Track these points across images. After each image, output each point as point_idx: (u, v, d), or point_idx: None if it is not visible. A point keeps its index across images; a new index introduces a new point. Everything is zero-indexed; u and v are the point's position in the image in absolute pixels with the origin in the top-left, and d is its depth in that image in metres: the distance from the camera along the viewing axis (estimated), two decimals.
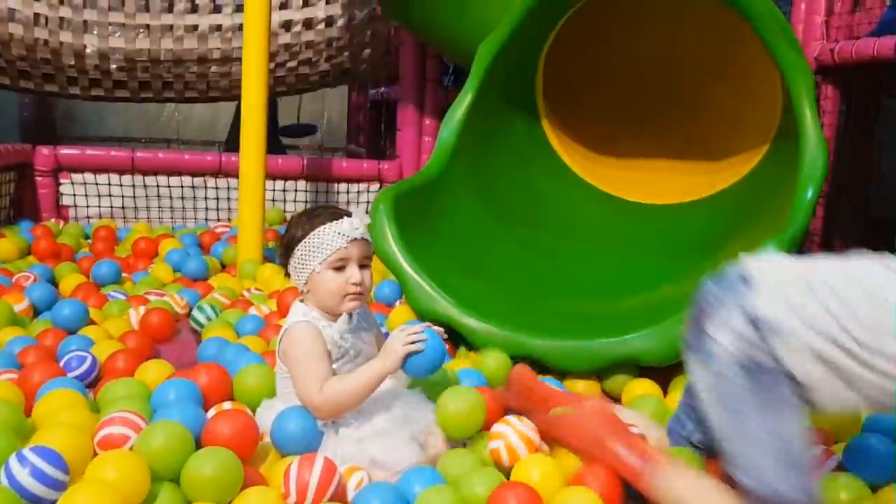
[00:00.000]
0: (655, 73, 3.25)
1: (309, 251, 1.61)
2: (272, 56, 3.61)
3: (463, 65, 3.89)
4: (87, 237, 3.61)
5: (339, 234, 1.60)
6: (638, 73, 3.28)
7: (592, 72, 3.27)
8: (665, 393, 2.04)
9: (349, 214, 1.64)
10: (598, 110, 3.31)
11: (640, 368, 2.13)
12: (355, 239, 1.62)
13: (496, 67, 2.77)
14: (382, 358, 1.54)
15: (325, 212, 1.65)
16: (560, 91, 3.18)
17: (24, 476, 1.24)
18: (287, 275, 1.72)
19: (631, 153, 3.29)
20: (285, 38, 4.04)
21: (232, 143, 6.47)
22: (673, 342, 2.05)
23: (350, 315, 1.65)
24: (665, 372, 2.09)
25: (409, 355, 1.52)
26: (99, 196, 3.86)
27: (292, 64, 4.19)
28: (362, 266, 1.64)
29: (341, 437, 1.56)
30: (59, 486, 1.26)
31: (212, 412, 1.64)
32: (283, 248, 1.70)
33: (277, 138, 6.69)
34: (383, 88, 6.36)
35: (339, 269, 1.61)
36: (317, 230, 1.61)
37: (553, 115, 3.20)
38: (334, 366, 1.61)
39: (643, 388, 2.03)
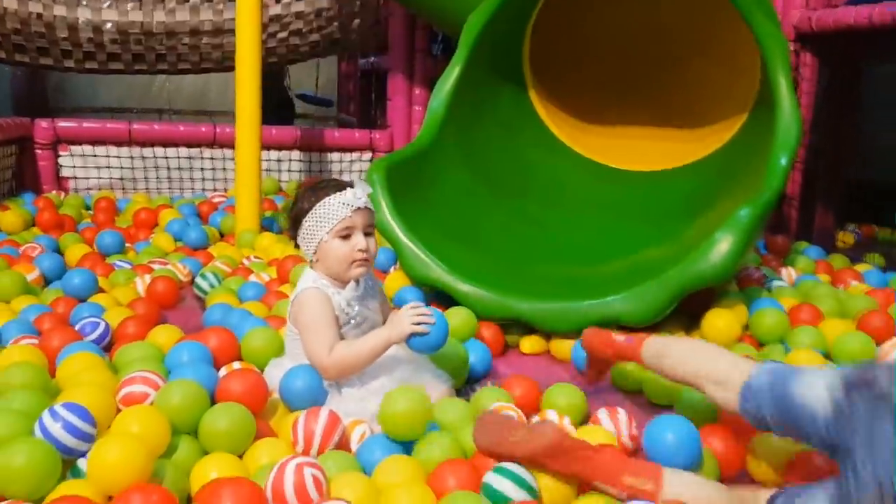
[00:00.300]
0: (640, 45, 3.34)
1: (316, 222, 1.71)
2: (263, 27, 3.67)
3: (451, 34, 3.96)
4: (87, 208, 3.71)
5: (343, 204, 1.70)
6: (623, 44, 3.36)
7: (579, 43, 3.35)
8: None
9: (352, 186, 1.73)
10: (584, 80, 3.40)
11: (620, 327, 2.24)
12: (359, 208, 1.72)
13: (484, 39, 2.85)
14: (389, 329, 1.64)
15: (329, 184, 1.75)
16: (547, 62, 3.27)
17: (57, 429, 1.35)
18: (296, 246, 1.82)
19: (617, 122, 3.39)
20: (276, 10, 4.10)
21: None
22: (651, 304, 2.18)
23: (357, 283, 1.75)
24: (644, 331, 2.21)
25: (414, 333, 1.62)
26: (98, 168, 3.95)
27: (283, 35, 4.25)
28: (367, 234, 1.74)
29: (345, 396, 1.68)
30: (89, 439, 1.38)
31: (223, 371, 1.75)
32: (291, 221, 1.79)
33: (286, 108, 6.77)
34: (373, 58, 6.41)
35: (346, 237, 1.71)
36: (322, 201, 1.71)
37: (540, 85, 3.29)
38: (341, 331, 1.72)
39: None
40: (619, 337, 1.79)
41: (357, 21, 4.40)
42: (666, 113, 3.32)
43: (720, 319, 2.23)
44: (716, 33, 3.05)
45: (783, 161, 2.36)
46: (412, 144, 2.79)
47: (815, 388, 1.25)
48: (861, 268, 3.02)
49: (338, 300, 1.72)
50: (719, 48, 3.09)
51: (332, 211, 1.70)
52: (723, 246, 2.16)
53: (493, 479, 1.37)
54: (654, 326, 2.23)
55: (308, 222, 1.73)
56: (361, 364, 1.65)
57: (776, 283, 2.66)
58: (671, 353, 1.60)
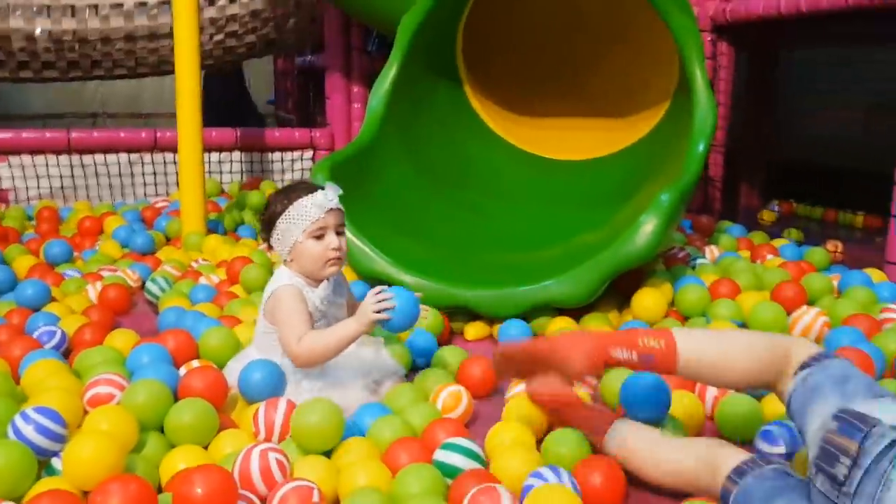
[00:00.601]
0: (567, 38, 3.49)
1: (290, 223, 1.79)
2: (200, 30, 3.71)
3: (385, 33, 4.04)
4: (30, 219, 3.70)
5: (316, 205, 1.79)
6: (550, 38, 3.50)
7: (508, 38, 3.48)
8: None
9: (323, 188, 1.82)
10: (515, 74, 3.53)
11: (557, 309, 2.39)
12: (331, 209, 1.81)
13: (418, 38, 2.96)
14: (356, 320, 1.72)
15: (300, 186, 1.83)
16: (479, 58, 3.39)
17: (29, 431, 1.43)
18: (269, 248, 1.89)
19: (548, 113, 3.53)
20: (210, 13, 4.14)
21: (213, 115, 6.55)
22: (584, 286, 2.33)
23: (329, 281, 1.84)
24: (579, 310, 2.38)
25: (380, 319, 1.70)
26: (38, 177, 3.94)
27: (219, 37, 4.29)
28: (338, 233, 1.83)
29: (304, 389, 1.78)
30: (61, 439, 1.46)
31: (183, 370, 1.84)
32: (264, 224, 1.87)
33: (249, 112, 6.77)
34: (309, 56, 6.46)
35: (319, 237, 1.80)
36: (295, 203, 1.79)
37: (474, 80, 3.41)
38: (313, 327, 1.80)
39: (562, 324, 2.32)
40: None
41: (292, 21, 4.46)
42: (594, 103, 3.48)
43: (648, 298, 2.40)
44: (636, 25, 3.19)
45: (700, 147, 2.53)
46: (354, 143, 2.88)
47: None
48: (778, 243, 3.23)
49: (312, 298, 1.81)
50: (640, 39, 3.24)
51: (305, 212, 1.78)
52: (647, 228, 2.32)
53: (442, 454, 1.50)
54: (588, 307, 2.39)
55: (282, 224, 1.81)
56: (330, 353, 1.73)
57: (699, 261, 2.85)
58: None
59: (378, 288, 1.74)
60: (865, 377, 1.31)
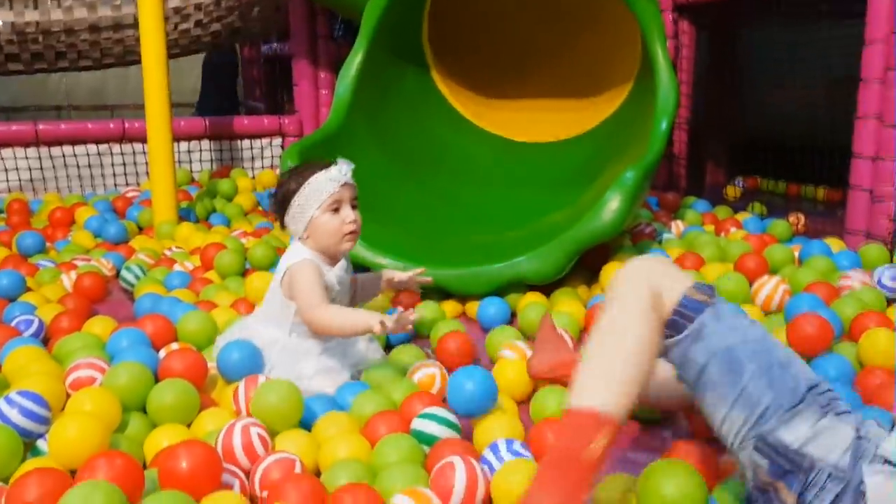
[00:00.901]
0: (531, 21, 3.53)
1: (306, 199, 1.82)
2: (165, 19, 3.71)
3: (350, 18, 4.06)
4: (0, 211, 3.69)
5: (331, 179, 1.82)
6: (515, 21, 3.54)
7: (474, 22, 3.52)
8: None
9: (335, 163, 1.85)
10: (482, 58, 3.57)
11: (527, 286, 2.45)
12: (345, 183, 1.84)
13: (384, 24, 2.98)
14: (377, 318, 1.68)
15: (312, 164, 1.87)
16: (446, 42, 3.42)
17: (14, 415, 1.46)
18: (283, 227, 1.92)
19: (516, 96, 3.58)
20: (174, 2, 4.13)
21: (204, 106, 6.58)
22: (553, 262, 2.40)
23: (344, 262, 1.89)
24: (548, 286, 2.44)
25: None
26: (6, 170, 3.91)
27: (184, 26, 4.28)
28: (353, 207, 1.87)
29: (301, 370, 1.80)
30: (45, 421, 1.49)
31: (163, 353, 1.87)
32: (278, 204, 1.89)
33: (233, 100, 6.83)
34: (275, 44, 6.44)
35: (335, 210, 1.83)
36: (310, 179, 1.82)
37: (441, 65, 3.45)
38: None
39: (531, 299, 2.37)
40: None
41: (257, 9, 4.45)
42: (560, 86, 3.53)
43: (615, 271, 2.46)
44: (599, 7, 3.24)
45: (663, 125, 2.59)
46: (322, 129, 2.91)
47: None
48: (742, 216, 3.32)
49: (329, 277, 1.85)
50: (603, 21, 3.28)
51: (320, 187, 1.82)
52: (612, 205, 2.38)
53: (419, 423, 1.55)
54: (557, 282, 2.45)
55: (297, 200, 1.83)
56: (343, 331, 1.77)
57: (665, 235, 2.93)
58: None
59: (414, 313, 1.72)
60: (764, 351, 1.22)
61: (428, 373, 1.84)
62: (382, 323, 1.66)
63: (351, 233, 1.86)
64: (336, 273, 1.87)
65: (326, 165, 1.85)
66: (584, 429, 1.16)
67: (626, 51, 3.18)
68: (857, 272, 2.43)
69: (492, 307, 2.34)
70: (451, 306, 2.48)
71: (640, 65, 3.12)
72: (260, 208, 3.87)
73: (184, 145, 4.28)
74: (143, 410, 1.63)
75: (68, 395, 1.64)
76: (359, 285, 2.06)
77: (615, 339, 1.24)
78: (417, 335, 2.21)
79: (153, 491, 1.29)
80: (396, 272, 2.16)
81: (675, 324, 1.25)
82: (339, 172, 1.84)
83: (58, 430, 1.41)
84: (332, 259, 1.89)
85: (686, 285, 1.27)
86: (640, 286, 1.26)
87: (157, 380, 1.71)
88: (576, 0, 3.34)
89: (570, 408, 1.20)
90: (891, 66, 2.75)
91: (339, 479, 1.36)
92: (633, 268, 1.31)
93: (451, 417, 1.56)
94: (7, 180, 3.94)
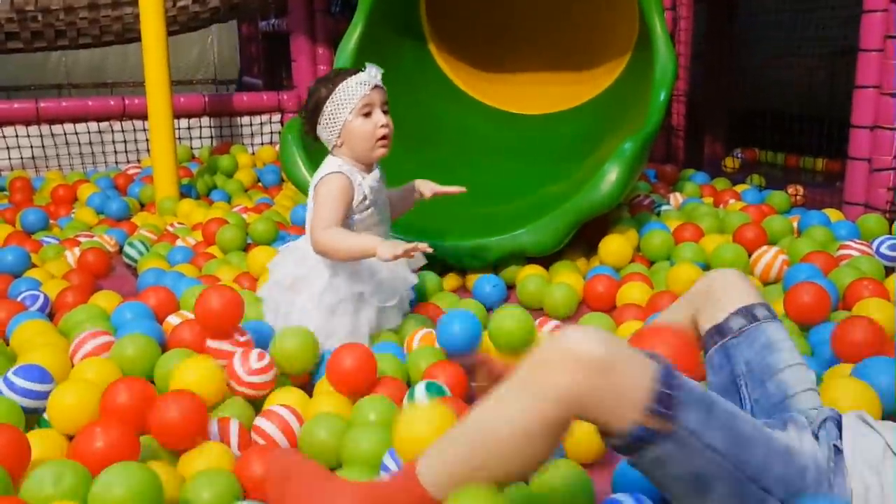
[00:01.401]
0: None
1: (338, 105, 1.83)
2: None
3: None
4: (2, 189, 3.71)
5: (361, 83, 1.83)
6: None
7: None
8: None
9: (363, 69, 1.85)
10: (479, 31, 3.56)
11: (526, 258, 2.48)
12: (376, 86, 1.85)
13: None
14: (381, 246, 1.70)
15: (341, 70, 1.88)
16: (443, 15, 3.42)
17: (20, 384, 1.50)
18: (314, 138, 1.92)
19: (514, 69, 3.58)
20: None
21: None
22: (552, 234, 2.42)
23: (378, 169, 1.89)
24: (547, 258, 2.46)
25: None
26: (8, 148, 3.93)
27: (183, 2, 4.26)
28: (384, 112, 1.87)
29: (336, 325, 1.84)
30: (45, 396, 1.51)
31: (173, 318, 1.92)
32: (309, 113, 1.90)
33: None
34: (273, 20, 6.41)
35: (367, 115, 1.84)
36: (341, 85, 1.83)
37: (439, 38, 3.44)
38: (363, 214, 1.87)
39: (531, 271, 2.40)
40: None
41: None
42: (558, 58, 3.52)
43: (614, 244, 2.49)
44: None
45: (662, 96, 2.60)
46: None
47: None
48: (741, 188, 3.33)
49: (363, 185, 1.86)
50: None
51: (351, 91, 1.83)
52: (611, 177, 2.40)
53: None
54: (556, 254, 2.47)
55: (329, 107, 1.84)
56: (345, 256, 1.78)
57: (664, 207, 2.94)
58: None
59: (422, 245, 1.73)
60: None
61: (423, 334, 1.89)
62: (388, 250, 1.67)
63: (384, 137, 1.86)
64: (370, 182, 1.88)
65: (356, 71, 1.85)
66: (409, 498, 1.04)
67: (624, 23, 3.18)
68: (855, 242, 2.44)
69: (487, 285, 2.35)
70: (450, 280, 2.51)
71: (637, 36, 3.12)
72: (260, 184, 3.88)
73: (184, 122, 4.29)
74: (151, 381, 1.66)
75: (73, 367, 1.67)
76: (393, 200, 2.07)
77: (491, 429, 1.01)
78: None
79: (149, 458, 1.34)
80: (429, 182, 2.15)
81: (623, 448, 1.04)
82: (369, 76, 1.84)
83: (56, 397, 1.46)
84: (367, 166, 1.90)
85: (641, 402, 0.98)
86: (565, 386, 0.97)
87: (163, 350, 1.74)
88: None
89: (417, 469, 1.04)
90: (890, 34, 2.75)
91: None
92: (573, 355, 0.98)
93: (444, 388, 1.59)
94: (9, 158, 3.95)
